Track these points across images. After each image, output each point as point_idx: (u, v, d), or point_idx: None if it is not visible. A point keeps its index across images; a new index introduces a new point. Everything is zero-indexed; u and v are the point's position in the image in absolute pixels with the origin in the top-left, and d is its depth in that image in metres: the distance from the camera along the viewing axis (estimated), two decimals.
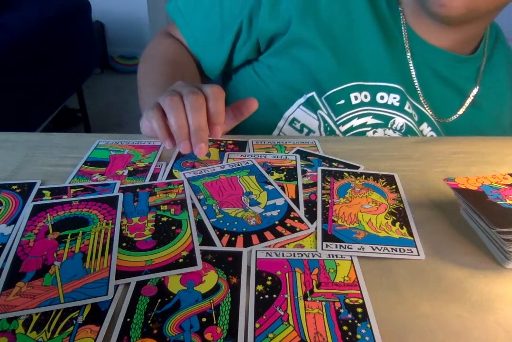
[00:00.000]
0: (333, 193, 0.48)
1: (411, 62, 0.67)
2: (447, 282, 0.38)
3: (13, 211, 0.45)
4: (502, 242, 0.38)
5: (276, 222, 0.44)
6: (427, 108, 0.69)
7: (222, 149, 0.57)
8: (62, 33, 1.63)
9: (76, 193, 0.47)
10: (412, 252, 0.41)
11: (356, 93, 0.67)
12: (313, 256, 0.40)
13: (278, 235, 0.42)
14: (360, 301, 0.35)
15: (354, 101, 0.67)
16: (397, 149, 0.59)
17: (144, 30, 2.72)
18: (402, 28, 0.67)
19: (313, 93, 0.67)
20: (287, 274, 0.37)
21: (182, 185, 0.49)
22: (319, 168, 0.52)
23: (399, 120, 0.67)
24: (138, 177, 0.51)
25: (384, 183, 0.50)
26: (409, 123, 0.67)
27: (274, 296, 0.35)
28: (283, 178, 0.51)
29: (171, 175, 0.52)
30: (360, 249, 0.40)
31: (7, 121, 1.31)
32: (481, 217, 0.40)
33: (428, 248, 0.41)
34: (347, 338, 0.32)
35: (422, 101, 0.68)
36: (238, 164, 0.53)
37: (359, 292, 0.36)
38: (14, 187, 0.48)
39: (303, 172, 0.52)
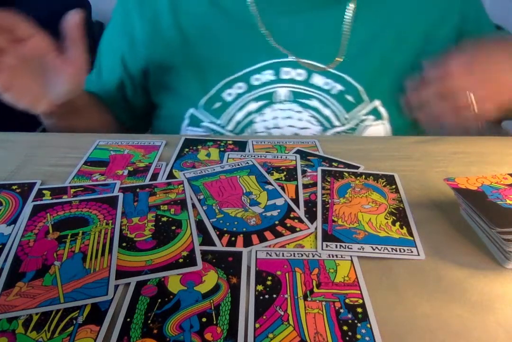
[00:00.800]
0: (333, 193, 0.48)
1: (265, 31, 0.65)
2: (447, 282, 0.38)
3: (13, 211, 0.45)
4: (502, 242, 0.38)
5: (276, 222, 0.43)
6: (309, 61, 0.65)
7: (222, 149, 0.57)
8: (62, 33, 1.63)
9: (76, 193, 0.47)
10: (412, 252, 0.41)
11: (229, 90, 0.66)
12: (313, 256, 0.40)
13: (278, 235, 0.42)
14: (360, 301, 0.35)
15: (229, 98, 0.66)
16: (397, 149, 0.59)
17: None
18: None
19: (191, 110, 0.68)
20: (287, 274, 0.37)
21: (182, 185, 0.49)
22: (319, 168, 0.52)
23: (281, 91, 0.65)
24: (138, 177, 0.51)
25: (384, 183, 0.50)
26: (293, 89, 0.65)
27: (274, 296, 0.35)
28: (283, 178, 0.51)
29: (171, 175, 0.52)
30: (360, 249, 0.40)
31: (7, 121, 1.31)
32: (481, 217, 0.40)
33: (428, 248, 0.41)
34: (347, 338, 0.32)
35: (301, 57, 0.65)
36: (238, 165, 0.53)
37: (359, 292, 0.36)
38: (14, 187, 0.48)
39: (303, 172, 0.52)
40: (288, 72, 0.65)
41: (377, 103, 0.66)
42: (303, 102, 0.66)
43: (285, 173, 0.52)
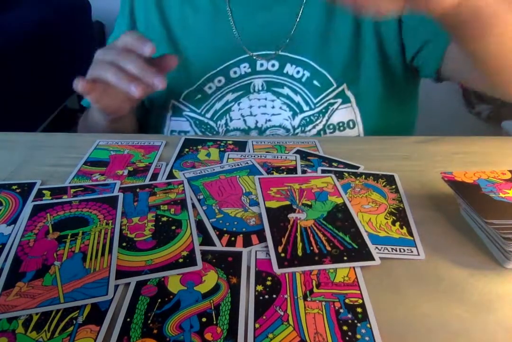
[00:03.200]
0: None
1: (233, 26, 0.69)
2: (447, 282, 0.38)
3: (13, 211, 0.45)
4: (502, 242, 0.38)
5: None
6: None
7: (222, 149, 0.57)
8: (62, 33, 1.63)
9: (76, 193, 0.47)
10: (412, 252, 0.41)
11: (209, 84, 0.70)
12: None
13: None
14: (360, 301, 0.35)
15: (209, 91, 0.70)
16: (397, 149, 0.59)
17: None
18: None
19: (172, 101, 0.71)
20: (286, 274, 0.37)
21: (182, 185, 0.48)
22: (319, 169, 0.52)
23: (257, 82, 0.69)
24: (138, 177, 0.51)
25: (384, 183, 0.50)
26: (268, 78, 0.69)
27: (274, 296, 0.35)
28: None
29: (171, 175, 0.52)
30: None
31: (7, 121, 1.31)
32: (472, 208, 0.40)
33: (428, 248, 0.41)
34: (347, 338, 0.32)
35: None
36: (238, 165, 0.53)
37: (359, 292, 0.36)
38: (14, 187, 0.48)
39: (303, 172, 0.52)
40: (262, 64, 0.69)
41: (343, 87, 0.68)
42: (276, 90, 0.69)
43: (285, 173, 0.52)
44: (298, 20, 0.67)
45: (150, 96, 0.74)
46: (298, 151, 0.57)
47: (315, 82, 0.68)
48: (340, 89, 0.68)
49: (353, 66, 0.68)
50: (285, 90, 0.69)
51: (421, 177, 0.52)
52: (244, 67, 0.69)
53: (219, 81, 0.69)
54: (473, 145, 0.60)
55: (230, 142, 0.59)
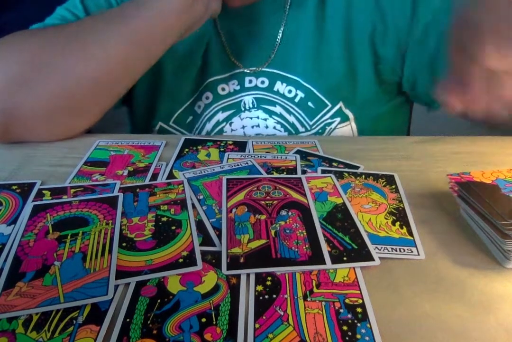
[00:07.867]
0: None
1: (224, 41, 0.67)
2: (447, 282, 0.38)
3: (13, 211, 0.45)
4: (501, 241, 0.38)
5: None
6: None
7: (222, 149, 0.57)
8: None
9: (76, 193, 0.47)
10: (412, 252, 0.41)
11: (198, 103, 0.68)
12: None
13: None
14: (360, 301, 0.35)
15: (199, 111, 0.68)
16: (397, 149, 0.59)
17: None
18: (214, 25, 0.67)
19: (160, 123, 0.69)
20: (286, 274, 0.37)
21: (182, 185, 0.48)
22: (319, 169, 0.52)
23: (247, 99, 0.67)
24: (138, 177, 0.51)
25: (384, 183, 0.50)
26: (258, 95, 0.67)
27: (274, 296, 0.35)
28: None
29: (171, 175, 0.52)
30: None
31: None
32: (494, 209, 0.40)
33: (428, 248, 0.41)
34: (347, 338, 0.32)
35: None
36: (238, 165, 0.53)
37: (359, 292, 0.36)
38: (14, 187, 0.48)
39: (303, 172, 0.52)
40: (251, 81, 0.67)
41: (340, 105, 0.66)
42: (268, 108, 0.67)
43: (285, 173, 0.52)
44: (280, 35, 0.65)
45: (136, 115, 0.72)
46: (298, 152, 0.57)
47: (309, 103, 0.66)
48: (336, 108, 0.66)
49: (349, 83, 0.65)
50: (278, 109, 0.67)
51: (421, 176, 0.52)
52: (233, 84, 0.67)
53: (207, 97, 0.67)
54: (473, 145, 0.60)
55: (230, 142, 0.59)
